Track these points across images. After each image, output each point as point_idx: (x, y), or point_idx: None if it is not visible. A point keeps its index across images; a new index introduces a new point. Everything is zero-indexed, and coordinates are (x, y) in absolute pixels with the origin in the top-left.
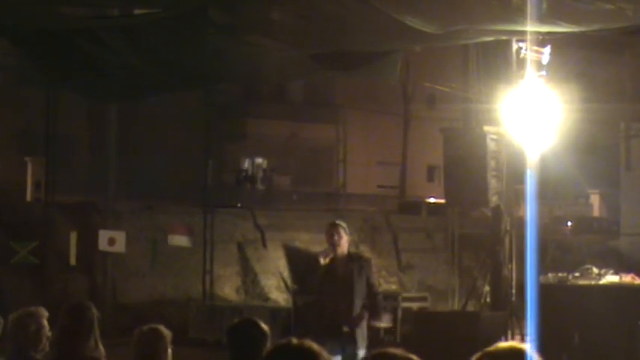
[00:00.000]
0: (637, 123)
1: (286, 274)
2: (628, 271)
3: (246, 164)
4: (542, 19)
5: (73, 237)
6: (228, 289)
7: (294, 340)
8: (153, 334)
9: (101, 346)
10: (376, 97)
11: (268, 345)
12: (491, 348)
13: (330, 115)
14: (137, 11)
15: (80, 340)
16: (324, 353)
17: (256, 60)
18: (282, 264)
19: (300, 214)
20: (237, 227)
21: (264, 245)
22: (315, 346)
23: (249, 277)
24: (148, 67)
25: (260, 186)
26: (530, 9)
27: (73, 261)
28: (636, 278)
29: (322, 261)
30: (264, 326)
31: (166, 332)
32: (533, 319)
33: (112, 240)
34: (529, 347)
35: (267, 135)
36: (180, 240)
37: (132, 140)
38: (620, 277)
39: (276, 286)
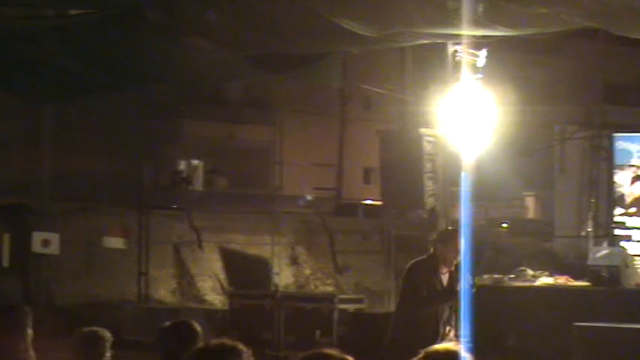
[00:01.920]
0: (572, 125)
1: (222, 276)
2: (562, 272)
3: (182, 165)
4: (477, 22)
5: (6, 239)
6: (164, 290)
7: (213, 341)
8: (92, 336)
9: (32, 350)
10: (313, 98)
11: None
12: (430, 349)
13: (267, 117)
14: (72, 12)
15: (9, 343)
16: (247, 352)
17: (192, 61)
18: (218, 266)
19: (237, 215)
20: (173, 229)
21: (200, 247)
22: (238, 345)
23: (184, 279)
24: (83, 67)
25: (197, 187)
26: (465, 13)
27: (5, 263)
28: (571, 280)
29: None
30: (197, 327)
31: (107, 335)
32: (468, 320)
33: (45, 242)
34: (462, 349)
35: (203, 136)
36: (115, 242)
37: (66, 141)
38: (555, 279)
39: (212, 287)
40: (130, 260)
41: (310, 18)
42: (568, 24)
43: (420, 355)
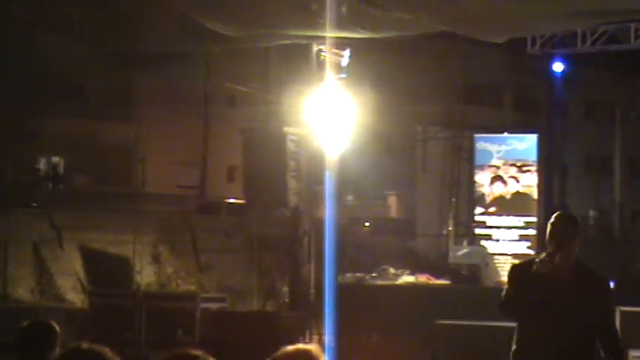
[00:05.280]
0: (433, 126)
1: (83, 274)
2: (424, 271)
3: (42, 163)
4: (341, 25)
5: None
6: (22, 289)
7: (84, 344)
8: None
9: None
10: (176, 96)
11: (58, 346)
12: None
13: (130, 114)
14: None
15: None
16: (116, 357)
17: (53, 58)
18: (78, 264)
19: (98, 213)
20: (33, 227)
21: (61, 246)
22: (105, 349)
23: (44, 278)
24: None
25: (57, 185)
26: (329, 16)
27: None
28: (432, 278)
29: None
30: (55, 327)
31: None
32: (332, 318)
33: None
34: (316, 348)
35: (64, 133)
36: None
37: None
38: (416, 278)
39: (72, 286)
40: None
41: (174, 17)
42: (429, 28)
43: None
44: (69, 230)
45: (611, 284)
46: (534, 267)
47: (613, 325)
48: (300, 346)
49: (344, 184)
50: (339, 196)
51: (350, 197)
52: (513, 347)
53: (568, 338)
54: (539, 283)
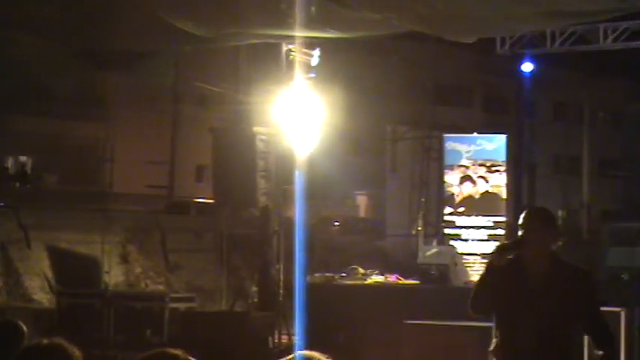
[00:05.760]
0: (403, 126)
1: (51, 274)
2: (393, 271)
3: (10, 163)
4: (310, 25)
5: None
6: None
7: (44, 341)
8: None
9: None
10: (145, 95)
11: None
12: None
13: (99, 113)
14: None
15: None
16: (77, 352)
17: (20, 57)
18: (46, 264)
19: (66, 213)
20: (1, 227)
21: (29, 245)
22: (66, 344)
23: (11, 278)
24: None
25: (25, 185)
26: (298, 15)
27: None
28: (401, 278)
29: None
30: (22, 327)
31: None
32: (301, 318)
33: None
34: (318, 355)
35: (32, 133)
36: None
37: None
38: (385, 277)
39: (40, 286)
40: None
41: (143, 15)
42: (398, 28)
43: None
44: (37, 230)
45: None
46: (495, 260)
47: (600, 313)
48: (305, 352)
49: (313, 183)
50: (309, 195)
51: (319, 197)
52: (493, 344)
53: (547, 333)
54: (515, 278)
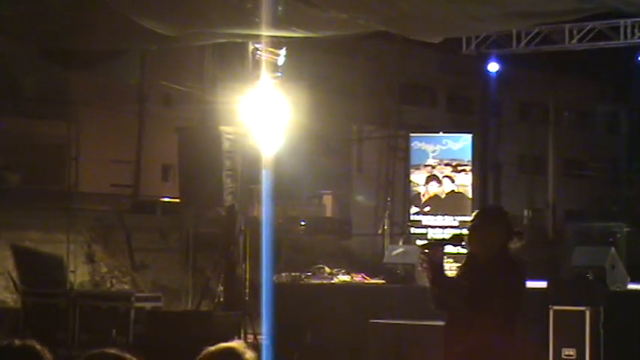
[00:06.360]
0: (369, 125)
1: (15, 274)
2: (359, 270)
3: None
4: (277, 24)
5: None
6: None
7: (17, 341)
8: None
9: None
10: (111, 94)
11: None
12: (202, 353)
13: (63, 112)
14: None
15: None
16: (48, 354)
17: None
18: (10, 263)
19: (31, 212)
20: None
21: None
22: (38, 346)
23: None
24: None
25: None
26: (264, 15)
27: None
28: (367, 278)
29: None
30: None
31: None
32: (267, 318)
33: None
34: (240, 345)
35: None
36: None
37: None
38: (352, 277)
39: (4, 286)
40: None
41: (108, 15)
42: (364, 28)
43: (199, 356)
44: (1, 229)
45: (523, 272)
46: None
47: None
48: (224, 344)
49: (279, 183)
50: (275, 195)
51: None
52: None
53: (480, 329)
54: (464, 275)
